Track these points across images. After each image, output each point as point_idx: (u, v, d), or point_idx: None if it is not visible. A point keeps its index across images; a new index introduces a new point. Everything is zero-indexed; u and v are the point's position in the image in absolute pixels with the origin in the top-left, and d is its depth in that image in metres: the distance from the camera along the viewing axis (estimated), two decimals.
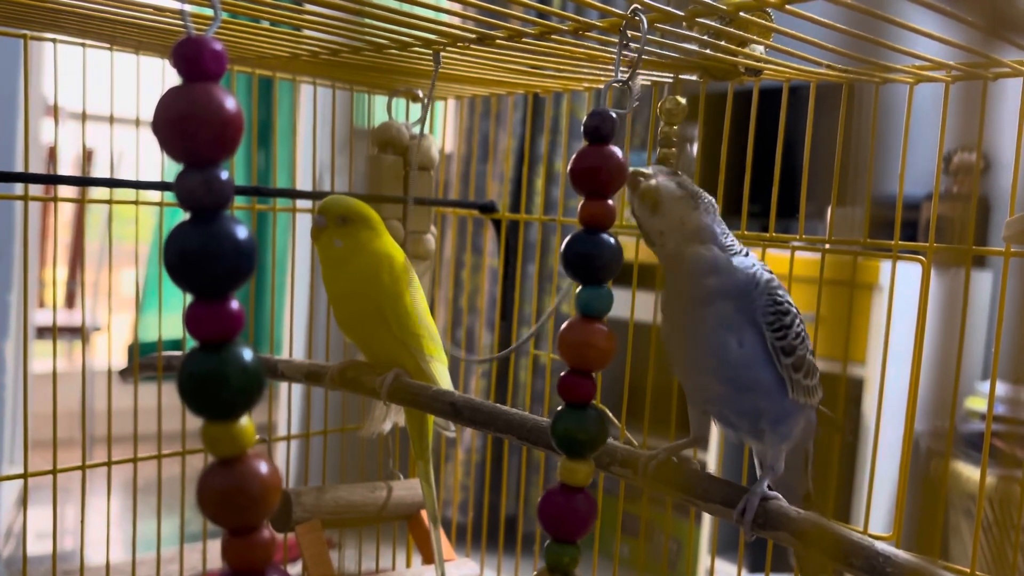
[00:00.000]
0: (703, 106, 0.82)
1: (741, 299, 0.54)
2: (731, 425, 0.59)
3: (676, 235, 0.55)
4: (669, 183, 0.56)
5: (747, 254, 0.56)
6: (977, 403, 1.58)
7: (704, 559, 1.67)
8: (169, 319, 1.04)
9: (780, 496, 0.55)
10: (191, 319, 0.34)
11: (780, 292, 0.55)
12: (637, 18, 0.50)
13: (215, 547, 0.37)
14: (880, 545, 0.50)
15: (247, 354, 0.35)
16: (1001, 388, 1.59)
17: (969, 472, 1.45)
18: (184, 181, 0.34)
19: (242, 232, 0.34)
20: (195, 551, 1.26)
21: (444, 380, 0.76)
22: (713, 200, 0.57)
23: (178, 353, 0.90)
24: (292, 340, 0.98)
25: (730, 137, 0.80)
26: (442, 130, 1.43)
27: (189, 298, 0.34)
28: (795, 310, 0.56)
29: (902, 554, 0.49)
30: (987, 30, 0.34)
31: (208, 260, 0.34)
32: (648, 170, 0.56)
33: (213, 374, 0.34)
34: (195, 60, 0.33)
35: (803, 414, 0.58)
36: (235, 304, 0.35)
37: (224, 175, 0.34)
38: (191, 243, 0.34)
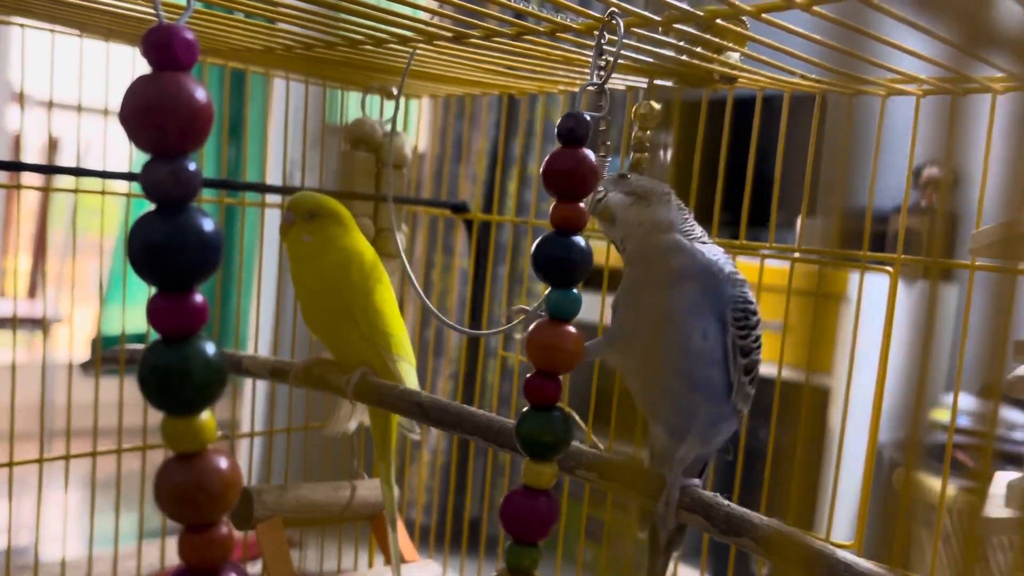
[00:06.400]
0: (677, 112, 0.83)
1: (706, 282, 0.55)
2: (660, 419, 0.58)
3: (636, 236, 0.57)
4: (617, 195, 0.58)
5: (708, 243, 0.57)
6: (942, 415, 1.60)
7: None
8: (133, 312, 1.03)
9: (698, 482, 0.56)
10: (154, 312, 0.34)
11: (747, 290, 0.56)
12: (614, 21, 0.50)
13: (174, 544, 0.36)
14: (843, 555, 0.50)
15: (210, 348, 0.34)
16: (965, 401, 1.61)
17: (932, 483, 1.47)
18: (151, 172, 0.33)
19: (208, 224, 0.34)
20: (153, 547, 1.24)
21: (411, 380, 0.76)
22: (668, 189, 0.58)
23: (141, 347, 0.89)
24: (258, 336, 0.97)
25: (703, 145, 0.80)
26: (416, 129, 1.42)
27: (154, 290, 0.34)
28: (758, 315, 0.56)
29: (863, 563, 0.49)
30: (964, 46, 0.35)
31: (173, 252, 0.33)
32: (599, 187, 0.57)
33: (175, 368, 0.34)
34: (166, 48, 0.32)
35: (733, 422, 0.58)
36: (199, 297, 0.34)
37: (192, 166, 0.33)
38: (156, 234, 0.33)
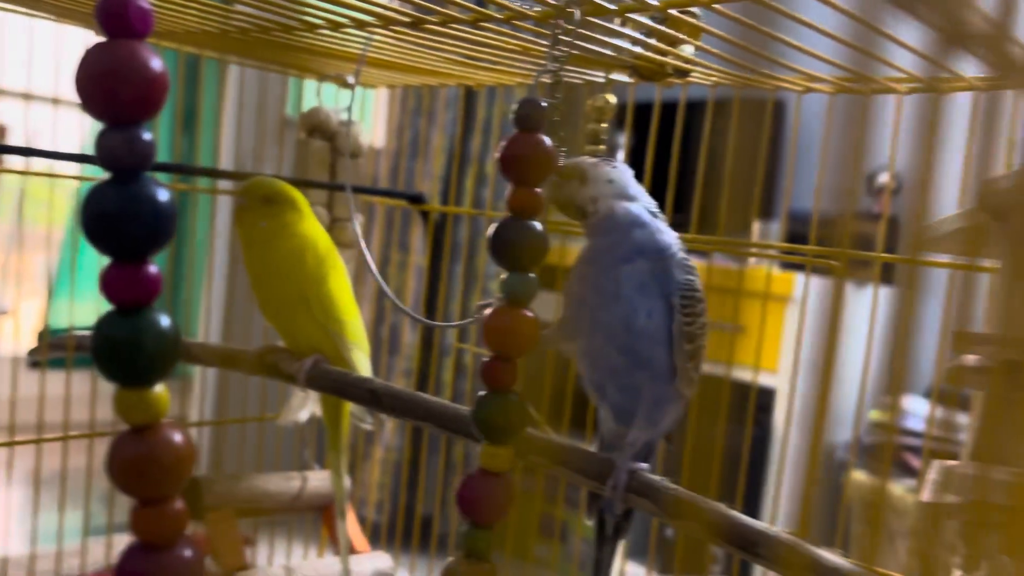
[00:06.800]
0: (632, 108, 0.84)
1: (658, 263, 0.55)
2: (607, 401, 0.59)
3: (608, 196, 0.57)
4: (583, 157, 0.58)
5: (663, 223, 0.58)
6: (880, 415, 1.63)
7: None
8: (81, 306, 1.01)
9: (647, 466, 0.57)
10: (107, 282, 0.33)
11: (695, 277, 0.56)
12: (570, 9, 0.51)
13: (120, 542, 0.36)
14: (754, 522, 0.51)
15: (164, 320, 0.34)
16: (916, 403, 1.64)
17: (869, 481, 1.50)
18: (105, 140, 0.33)
19: (163, 194, 0.33)
20: (99, 545, 1.22)
21: (365, 369, 0.75)
22: (623, 162, 0.59)
23: (90, 333, 0.87)
24: (209, 323, 0.96)
25: (656, 146, 0.81)
26: (372, 120, 1.42)
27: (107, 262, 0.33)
28: (704, 302, 0.57)
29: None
30: (946, 40, 0.36)
31: (127, 221, 0.33)
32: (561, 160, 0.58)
33: (128, 339, 0.33)
34: (121, 16, 0.32)
35: (678, 405, 0.59)
36: (153, 268, 0.34)
37: (147, 135, 0.33)
38: (110, 203, 0.33)
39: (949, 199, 0.67)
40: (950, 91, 0.64)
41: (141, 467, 0.34)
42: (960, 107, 0.66)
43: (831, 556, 0.49)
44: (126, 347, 0.33)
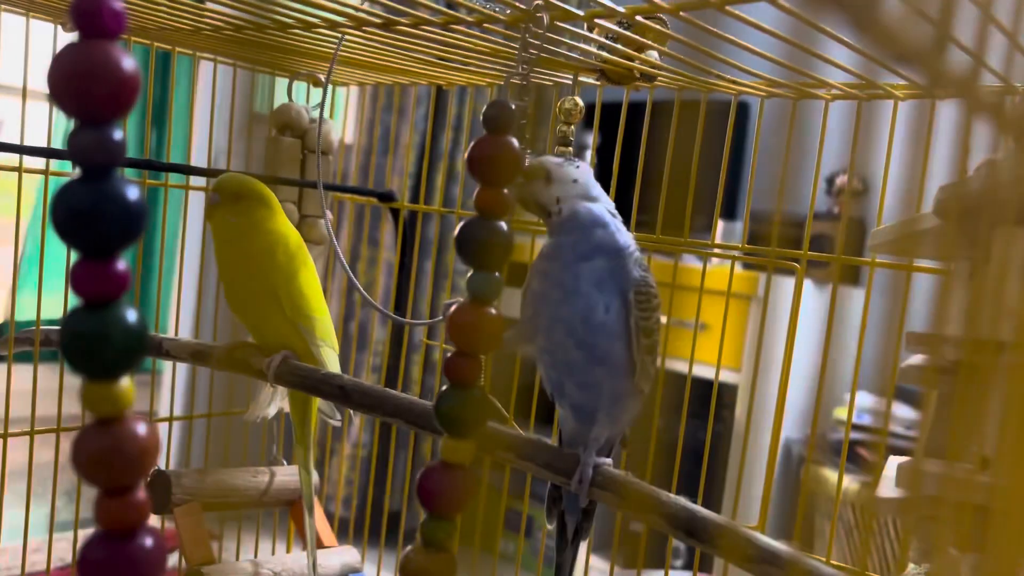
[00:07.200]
0: (599, 110, 0.85)
1: (616, 261, 0.57)
2: (566, 398, 0.60)
3: (571, 196, 0.58)
4: (544, 156, 0.60)
5: (619, 221, 0.59)
6: (844, 413, 1.66)
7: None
8: (48, 299, 1.00)
9: (610, 461, 0.58)
10: (76, 277, 0.34)
11: (650, 274, 0.58)
12: (539, 15, 0.52)
13: (86, 537, 0.37)
14: (696, 507, 0.53)
15: (131, 314, 0.35)
16: (866, 399, 1.67)
17: (834, 477, 1.53)
18: (77, 138, 0.33)
19: (132, 192, 0.34)
20: (64, 541, 1.21)
21: (333, 365, 0.76)
22: (586, 163, 0.60)
23: (57, 328, 0.87)
24: (179, 319, 0.96)
25: (623, 148, 0.82)
26: (343, 119, 1.42)
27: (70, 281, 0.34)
28: (659, 297, 0.59)
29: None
30: (889, 55, 0.37)
31: (97, 218, 0.33)
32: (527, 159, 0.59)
33: (96, 333, 0.34)
34: (94, 16, 0.33)
35: (637, 400, 0.60)
36: (122, 264, 0.35)
37: (118, 134, 0.34)
38: (80, 200, 0.33)
39: (887, 203, 0.69)
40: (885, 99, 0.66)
41: (106, 457, 0.34)
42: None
43: (774, 543, 0.50)
44: (94, 341, 0.34)
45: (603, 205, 0.58)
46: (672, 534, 0.53)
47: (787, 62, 0.62)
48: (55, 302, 0.44)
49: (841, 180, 1.83)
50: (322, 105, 0.70)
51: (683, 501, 0.53)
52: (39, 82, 0.33)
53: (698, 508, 0.53)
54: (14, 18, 0.83)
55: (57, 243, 0.34)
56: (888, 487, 0.60)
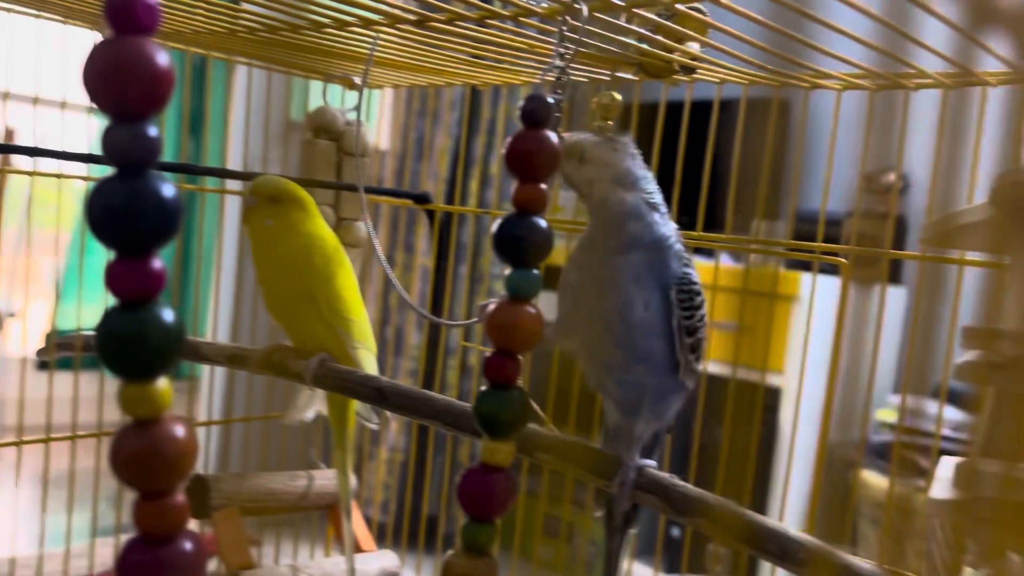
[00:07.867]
0: (637, 106, 0.84)
1: (655, 254, 0.55)
2: (610, 396, 0.59)
3: (604, 180, 0.56)
4: (588, 135, 0.58)
5: (664, 214, 0.57)
6: (887, 415, 1.63)
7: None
8: (88, 308, 1.01)
9: (653, 463, 0.56)
10: (112, 276, 0.34)
11: (693, 270, 0.56)
12: (577, 6, 0.51)
13: (125, 541, 0.36)
14: (765, 519, 0.51)
15: (167, 314, 0.34)
16: (912, 401, 1.64)
17: (877, 481, 1.49)
18: (112, 135, 0.33)
19: (168, 190, 0.34)
20: (107, 547, 1.21)
21: (371, 368, 0.75)
22: (631, 141, 0.58)
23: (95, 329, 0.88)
24: (217, 323, 0.96)
25: (661, 145, 0.81)
26: (378, 123, 1.42)
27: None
28: (702, 293, 0.57)
29: (811, 540, 0.50)
30: (973, 24, 0.35)
31: (132, 216, 0.33)
32: (566, 134, 0.58)
33: (132, 333, 0.33)
34: (128, 11, 0.33)
35: (682, 396, 0.58)
36: (158, 263, 0.34)
37: (153, 131, 0.33)
38: (115, 198, 0.33)
39: (966, 194, 0.66)
40: (960, 86, 0.64)
41: (143, 460, 0.34)
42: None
43: (847, 556, 0.48)
44: (130, 341, 0.33)
45: (640, 194, 0.56)
46: (720, 539, 0.52)
47: (882, 47, 0.58)
48: (96, 310, 0.44)
49: (885, 177, 1.80)
50: (359, 106, 0.69)
51: (733, 505, 0.52)
52: (79, 92, 0.32)
53: (749, 513, 0.51)
54: (53, 26, 0.84)
55: (98, 253, 0.34)
56: (941, 488, 0.58)
